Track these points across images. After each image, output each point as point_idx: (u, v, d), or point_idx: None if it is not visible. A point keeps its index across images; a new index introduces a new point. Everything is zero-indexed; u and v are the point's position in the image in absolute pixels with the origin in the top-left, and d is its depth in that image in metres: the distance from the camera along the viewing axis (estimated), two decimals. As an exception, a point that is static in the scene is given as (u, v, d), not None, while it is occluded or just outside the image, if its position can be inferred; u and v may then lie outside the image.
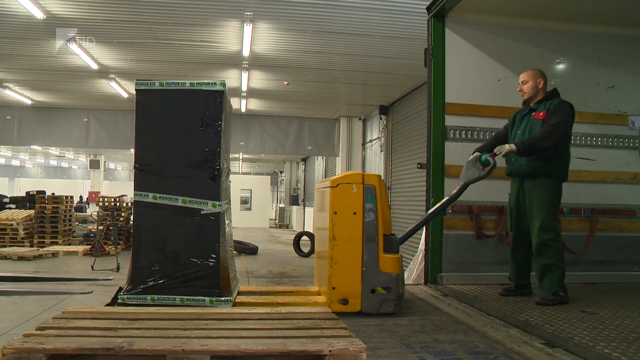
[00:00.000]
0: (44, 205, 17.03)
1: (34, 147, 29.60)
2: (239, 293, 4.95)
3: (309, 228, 24.12)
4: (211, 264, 4.21)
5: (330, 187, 4.57)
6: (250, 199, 34.55)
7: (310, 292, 5.15)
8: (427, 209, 6.37)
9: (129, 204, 19.18)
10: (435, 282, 6.08)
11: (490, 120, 6.46)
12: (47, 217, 16.90)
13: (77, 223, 18.96)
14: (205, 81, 4.39)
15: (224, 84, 4.39)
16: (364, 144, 18.43)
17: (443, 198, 6.10)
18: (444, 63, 6.39)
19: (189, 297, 4.12)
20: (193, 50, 11.42)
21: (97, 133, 18.00)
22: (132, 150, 15.46)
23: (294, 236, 20.59)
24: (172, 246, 4.29)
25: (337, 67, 12.51)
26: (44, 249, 15.58)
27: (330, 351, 2.66)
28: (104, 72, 13.36)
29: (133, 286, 4.23)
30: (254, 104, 17.03)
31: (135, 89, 4.45)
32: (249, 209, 34.16)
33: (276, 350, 2.66)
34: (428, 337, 3.85)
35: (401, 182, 14.81)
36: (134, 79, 13.62)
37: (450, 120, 6.38)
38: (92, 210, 22.58)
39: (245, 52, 11.21)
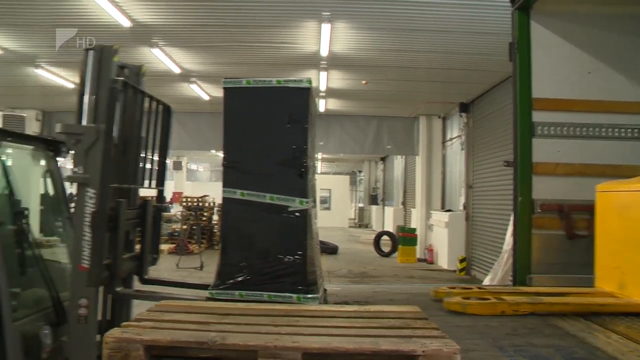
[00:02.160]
0: (131, 205, 17.65)
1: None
2: (549, 294, 4.97)
3: (388, 227, 24.00)
4: (298, 261, 4.20)
5: None
6: (330, 198, 34.70)
7: (605, 293, 5.11)
8: (515, 208, 6.19)
9: (211, 204, 19.68)
10: (523, 284, 5.86)
11: (581, 116, 6.19)
12: (134, 217, 17.51)
13: (161, 222, 19.56)
14: (291, 78, 4.41)
15: (310, 81, 4.40)
16: (444, 142, 18.16)
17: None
18: (530, 57, 6.18)
19: (276, 294, 4.12)
20: (272, 52, 11.57)
21: (180, 135, 18.50)
22: (214, 152, 15.87)
23: (374, 236, 20.56)
24: (260, 242, 4.30)
25: (417, 64, 12.36)
26: (132, 247, 16.13)
27: (423, 352, 2.59)
28: (185, 76, 13.73)
29: (221, 281, 4.28)
30: (333, 104, 17.08)
31: (223, 87, 4.50)
32: (328, 208, 34.31)
33: (368, 349, 2.62)
34: (521, 341, 3.71)
35: (483, 181, 14.51)
36: (215, 81, 13.92)
37: (537, 116, 6.15)
38: (176, 210, 23.30)
39: (324, 52, 11.24)
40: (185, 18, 9.74)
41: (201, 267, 13.89)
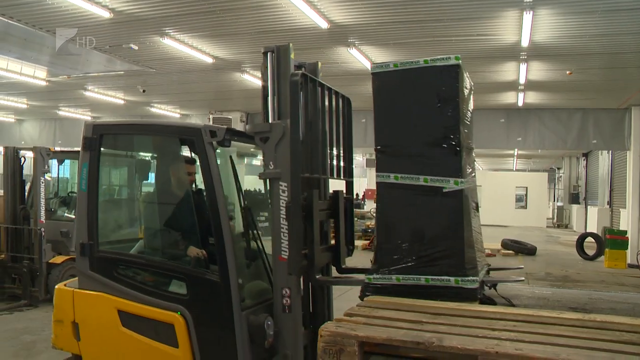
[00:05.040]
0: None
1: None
2: None
3: (592, 229, 22.26)
4: (455, 243, 4.05)
5: None
6: (526, 196, 33.19)
7: None
8: None
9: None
10: None
11: None
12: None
13: (355, 219, 20.07)
14: (439, 57, 4.23)
15: (458, 58, 4.19)
16: (661, 134, 16.38)
17: None
18: None
19: (433, 277, 3.99)
20: (468, 45, 11.20)
21: (371, 134, 18.70)
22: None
23: (576, 237, 19.20)
24: (416, 226, 4.20)
25: (628, 49, 11.23)
26: (328, 242, 16.68)
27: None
28: (380, 74, 13.82)
29: (379, 266, 4.22)
30: (532, 97, 16.19)
31: (371, 73, 4.46)
32: (524, 207, 32.84)
33: (605, 365, 2.35)
34: None
35: None
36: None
37: None
38: (369, 207, 23.66)
39: (524, 43, 10.66)
40: (380, 16, 9.79)
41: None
